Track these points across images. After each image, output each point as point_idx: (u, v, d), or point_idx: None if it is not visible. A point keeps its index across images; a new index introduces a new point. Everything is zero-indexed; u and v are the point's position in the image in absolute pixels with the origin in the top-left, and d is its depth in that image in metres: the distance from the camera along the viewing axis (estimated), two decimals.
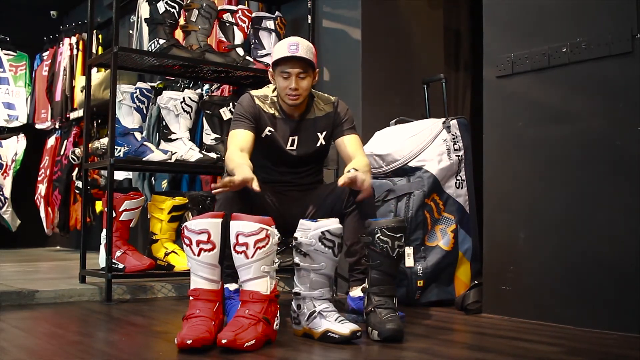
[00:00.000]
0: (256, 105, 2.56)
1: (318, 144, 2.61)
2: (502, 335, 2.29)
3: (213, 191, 2.26)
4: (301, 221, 2.19)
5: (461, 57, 4.13)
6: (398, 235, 2.23)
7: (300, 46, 2.46)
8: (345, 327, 2.07)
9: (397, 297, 2.29)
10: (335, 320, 2.11)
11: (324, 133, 2.61)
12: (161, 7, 3.31)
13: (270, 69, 2.56)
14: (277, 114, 2.58)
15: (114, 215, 3.13)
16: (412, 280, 2.93)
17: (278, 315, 2.11)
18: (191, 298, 2.09)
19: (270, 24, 3.69)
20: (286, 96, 2.50)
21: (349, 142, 2.59)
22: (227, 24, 3.63)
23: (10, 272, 3.74)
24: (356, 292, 2.50)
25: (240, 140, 2.48)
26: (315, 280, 2.17)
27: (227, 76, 3.67)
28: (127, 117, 3.28)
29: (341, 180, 2.31)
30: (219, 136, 3.56)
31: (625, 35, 2.27)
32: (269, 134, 2.56)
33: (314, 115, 2.61)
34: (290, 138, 2.58)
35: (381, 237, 2.22)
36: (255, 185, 2.26)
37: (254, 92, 2.61)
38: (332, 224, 2.17)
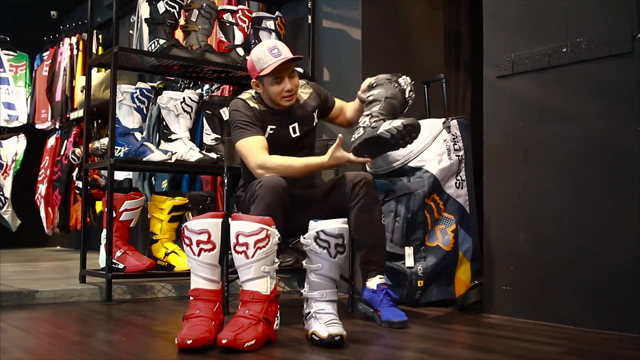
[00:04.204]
0: (252, 107, 2.59)
1: (314, 123, 2.75)
2: (502, 335, 2.29)
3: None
4: (310, 222, 2.18)
5: (461, 57, 4.13)
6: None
7: (280, 48, 2.53)
8: (326, 331, 2.03)
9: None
10: (325, 322, 2.07)
11: (316, 111, 2.75)
12: (161, 7, 3.31)
13: (254, 80, 2.59)
14: (270, 111, 2.62)
15: (114, 215, 3.13)
16: (412, 280, 2.93)
17: (278, 315, 2.11)
18: (191, 298, 2.09)
19: (270, 24, 3.69)
20: (282, 99, 2.56)
21: (342, 102, 2.86)
22: (227, 24, 3.63)
23: (10, 272, 3.74)
24: (372, 282, 2.49)
25: (262, 146, 2.51)
26: (315, 281, 2.16)
27: (227, 76, 3.67)
28: (127, 117, 3.29)
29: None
30: (219, 136, 3.56)
31: (625, 35, 2.27)
32: (272, 132, 2.60)
33: (302, 99, 2.71)
34: (290, 127, 2.65)
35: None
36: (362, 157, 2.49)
37: (243, 97, 2.64)
38: (330, 224, 2.13)
